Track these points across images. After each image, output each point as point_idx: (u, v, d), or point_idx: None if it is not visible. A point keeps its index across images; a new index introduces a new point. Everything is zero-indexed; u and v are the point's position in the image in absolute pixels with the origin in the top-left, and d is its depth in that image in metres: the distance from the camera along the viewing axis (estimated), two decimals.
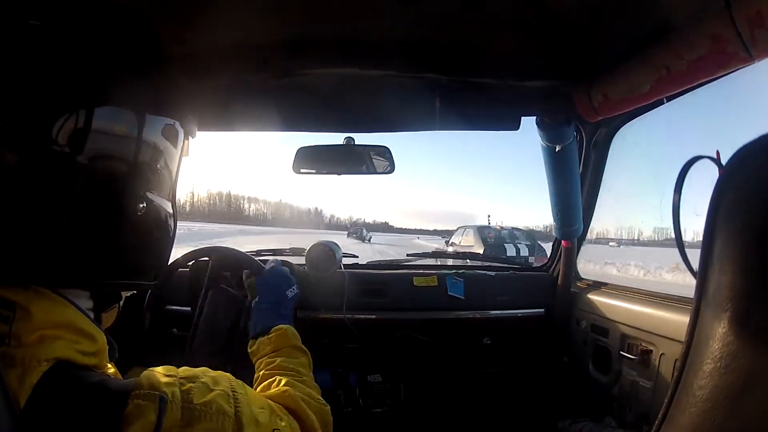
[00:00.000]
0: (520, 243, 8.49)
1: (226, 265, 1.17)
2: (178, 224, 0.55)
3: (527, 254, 8.19)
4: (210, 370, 0.46)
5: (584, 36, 0.91)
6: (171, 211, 0.52)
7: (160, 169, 0.49)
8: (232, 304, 1.10)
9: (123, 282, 0.49)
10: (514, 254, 8.03)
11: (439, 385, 1.47)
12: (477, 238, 8.47)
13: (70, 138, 0.40)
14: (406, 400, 1.40)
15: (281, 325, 0.82)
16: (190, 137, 0.54)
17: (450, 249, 8.55)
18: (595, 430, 1.09)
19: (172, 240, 0.54)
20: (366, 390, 1.38)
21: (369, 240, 27.53)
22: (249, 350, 0.81)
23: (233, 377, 0.47)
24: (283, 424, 0.51)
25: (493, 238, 8.45)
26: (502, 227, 9.20)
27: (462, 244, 8.84)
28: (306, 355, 0.78)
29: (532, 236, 9.60)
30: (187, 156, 0.55)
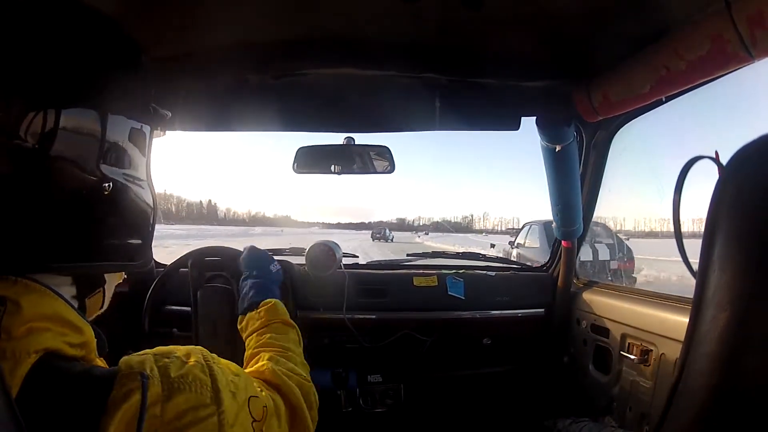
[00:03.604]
0: (599, 243, 6.08)
1: (209, 263, 1.16)
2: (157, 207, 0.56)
3: (608, 258, 5.96)
4: (181, 346, 0.47)
5: (584, 36, 0.91)
6: (147, 192, 0.53)
7: (130, 148, 0.50)
8: (226, 298, 1.09)
9: (103, 264, 0.50)
10: (590, 258, 5.64)
11: (439, 385, 1.46)
12: (543, 237, 6.23)
13: (33, 131, 0.41)
14: (406, 400, 1.40)
15: (270, 299, 0.81)
16: (159, 117, 0.55)
17: (515, 252, 6.94)
18: (595, 430, 1.09)
19: (150, 221, 0.55)
20: (366, 390, 1.38)
21: (391, 239, 28.64)
22: (238, 326, 0.80)
23: (205, 349, 0.48)
24: (263, 393, 0.53)
25: None
26: None
27: (527, 245, 6.78)
28: (294, 329, 0.77)
29: (614, 234, 6.81)
30: (162, 135, 0.56)
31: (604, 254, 5.96)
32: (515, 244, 7.47)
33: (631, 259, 6.28)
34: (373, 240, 26.97)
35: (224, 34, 0.93)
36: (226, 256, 1.12)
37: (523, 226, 7.82)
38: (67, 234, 0.45)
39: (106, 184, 0.47)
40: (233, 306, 1.08)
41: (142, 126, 0.52)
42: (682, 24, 0.75)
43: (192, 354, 0.46)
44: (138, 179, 0.52)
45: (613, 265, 5.92)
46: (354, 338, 1.34)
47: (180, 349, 0.46)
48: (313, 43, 0.97)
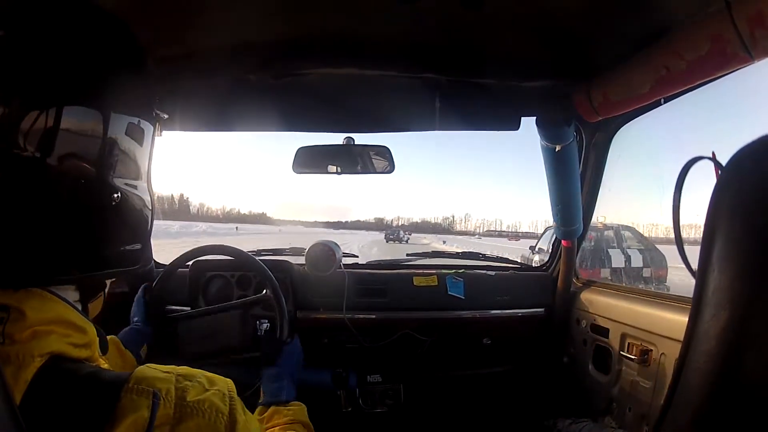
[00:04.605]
0: (630, 248, 5.96)
1: (210, 263, 1.13)
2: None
3: (641, 265, 5.78)
4: (208, 372, 0.46)
5: (584, 36, 0.91)
6: (148, 196, 0.53)
7: (132, 155, 0.49)
8: (239, 311, 1.04)
9: (108, 271, 0.50)
10: (622, 264, 5.62)
11: (439, 385, 1.46)
12: None
13: (39, 140, 0.40)
14: (406, 400, 1.40)
15: (298, 402, 0.83)
16: (160, 120, 0.55)
17: (537, 258, 6.34)
18: (595, 430, 1.09)
19: (150, 222, 0.54)
20: (366, 390, 1.38)
21: (407, 241, 28.04)
22: (259, 416, 0.80)
23: (233, 384, 0.46)
24: None
25: (593, 241, 5.73)
26: (605, 225, 6.14)
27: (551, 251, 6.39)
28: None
29: (644, 238, 6.60)
30: (159, 136, 0.55)
31: (637, 261, 5.77)
32: (536, 250, 6.82)
33: (665, 266, 6.03)
34: (387, 241, 26.05)
35: (224, 34, 0.93)
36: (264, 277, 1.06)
37: (545, 231, 7.21)
38: (74, 247, 0.44)
39: (115, 195, 0.46)
40: (244, 321, 1.04)
41: (145, 129, 0.51)
42: (682, 24, 0.75)
43: (217, 383, 0.44)
44: (140, 184, 0.52)
45: (646, 273, 5.75)
46: (354, 338, 1.34)
47: (207, 375, 0.45)
48: (313, 43, 0.97)
